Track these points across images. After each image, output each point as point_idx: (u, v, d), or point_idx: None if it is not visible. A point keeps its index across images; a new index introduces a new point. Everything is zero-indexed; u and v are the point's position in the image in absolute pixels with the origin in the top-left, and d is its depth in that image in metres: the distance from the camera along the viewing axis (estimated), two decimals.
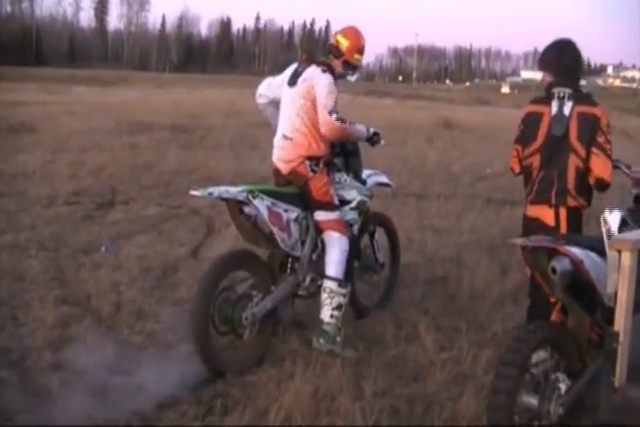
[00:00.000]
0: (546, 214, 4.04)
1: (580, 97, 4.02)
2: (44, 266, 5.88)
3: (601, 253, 3.25)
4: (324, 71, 4.54)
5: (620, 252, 3.18)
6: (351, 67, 4.73)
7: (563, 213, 4.00)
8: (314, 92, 4.50)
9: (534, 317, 4.09)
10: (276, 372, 4.07)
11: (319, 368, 4.09)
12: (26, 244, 6.48)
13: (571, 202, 3.99)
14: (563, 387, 3.22)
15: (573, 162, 3.97)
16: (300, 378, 3.92)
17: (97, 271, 5.74)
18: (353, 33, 4.74)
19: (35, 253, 6.18)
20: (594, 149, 3.94)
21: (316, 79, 4.52)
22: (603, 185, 3.99)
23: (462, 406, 3.75)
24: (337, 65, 4.67)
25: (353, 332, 4.69)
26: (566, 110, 3.99)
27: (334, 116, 4.46)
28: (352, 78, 4.84)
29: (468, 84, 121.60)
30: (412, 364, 4.33)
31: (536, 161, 4.08)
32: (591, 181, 3.99)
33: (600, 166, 3.94)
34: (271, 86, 4.86)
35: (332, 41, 4.77)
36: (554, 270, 3.19)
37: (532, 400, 3.17)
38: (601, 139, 3.93)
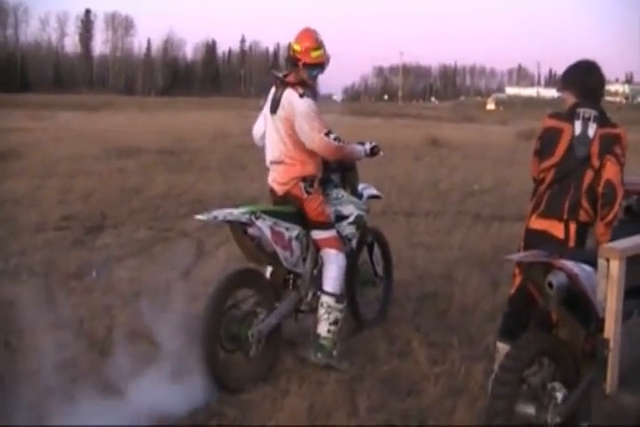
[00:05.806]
0: (555, 228, 3.96)
1: (603, 120, 3.98)
2: (36, 291, 5.86)
3: (594, 264, 3.29)
4: (301, 96, 4.48)
5: (608, 260, 3.24)
6: (316, 66, 4.60)
7: (573, 227, 3.94)
8: (293, 119, 4.47)
9: (509, 324, 4.13)
10: (271, 390, 4.08)
11: (314, 385, 4.12)
12: (16, 270, 6.46)
13: (582, 217, 3.92)
14: (559, 396, 3.24)
15: (589, 177, 3.90)
16: (295, 395, 3.94)
17: (89, 295, 5.74)
18: (301, 35, 4.59)
19: (25, 279, 6.16)
20: (608, 157, 3.87)
21: (295, 105, 4.47)
22: (611, 191, 3.85)
23: (457, 420, 3.77)
24: (302, 73, 4.56)
25: (346, 348, 4.71)
26: (590, 132, 3.92)
27: (332, 136, 4.49)
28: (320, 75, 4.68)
29: (462, 98, 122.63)
30: (406, 379, 4.34)
31: (550, 176, 4.01)
32: (600, 188, 3.87)
33: (612, 172, 3.85)
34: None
35: (289, 53, 4.65)
36: (550, 285, 3.25)
37: (530, 409, 3.20)
38: (618, 151, 3.88)
